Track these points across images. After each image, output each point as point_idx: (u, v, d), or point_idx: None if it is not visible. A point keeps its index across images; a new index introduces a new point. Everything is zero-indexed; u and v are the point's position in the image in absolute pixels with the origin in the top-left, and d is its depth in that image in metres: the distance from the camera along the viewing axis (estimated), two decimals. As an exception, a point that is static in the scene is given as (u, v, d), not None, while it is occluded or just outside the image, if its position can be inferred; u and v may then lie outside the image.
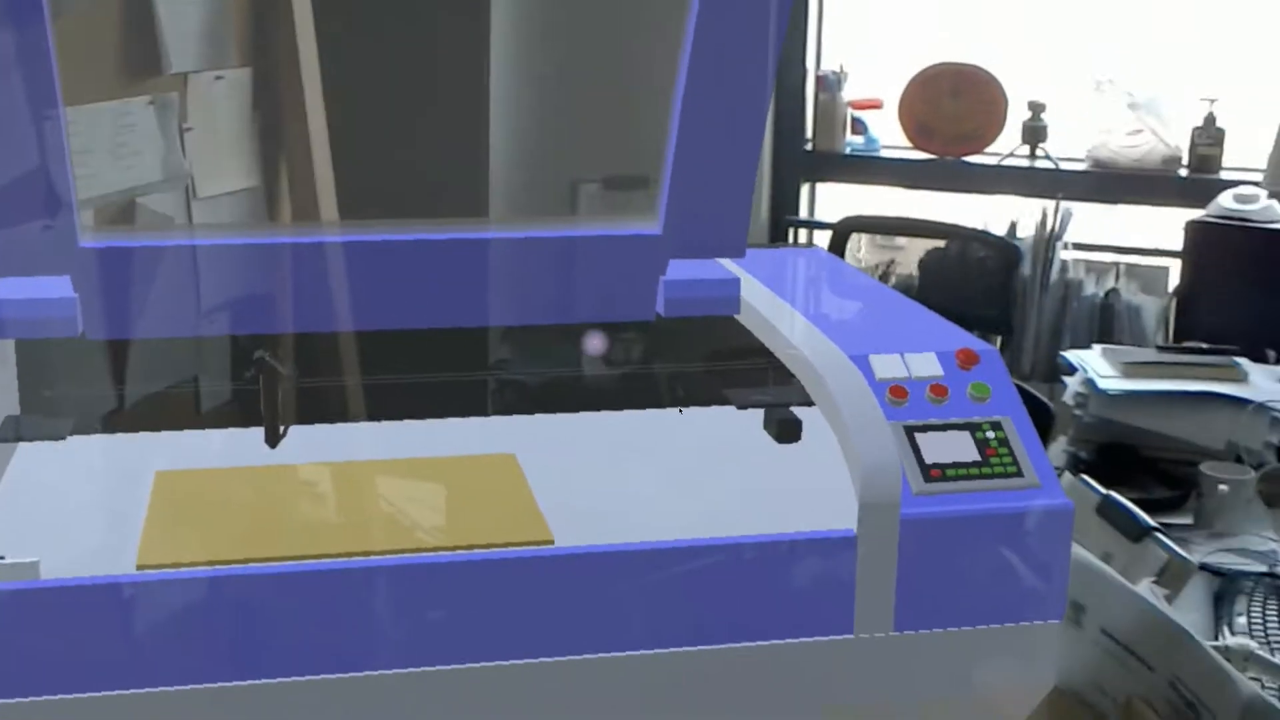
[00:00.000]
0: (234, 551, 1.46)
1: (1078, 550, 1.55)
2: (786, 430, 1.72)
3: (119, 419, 1.81)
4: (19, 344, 1.73)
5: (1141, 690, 1.65)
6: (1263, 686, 1.70)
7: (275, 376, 1.60)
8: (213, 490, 1.64)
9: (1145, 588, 1.75)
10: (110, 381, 1.82)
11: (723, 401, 1.88)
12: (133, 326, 1.70)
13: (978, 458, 1.49)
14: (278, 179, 2.89)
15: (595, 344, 1.88)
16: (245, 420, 1.65)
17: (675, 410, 1.89)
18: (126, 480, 1.65)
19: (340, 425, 1.82)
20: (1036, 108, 4.19)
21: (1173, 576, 1.90)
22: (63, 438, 1.67)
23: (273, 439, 1.63)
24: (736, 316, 1.78)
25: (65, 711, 1.32)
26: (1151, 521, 1.99)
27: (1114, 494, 2.06)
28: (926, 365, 1.56)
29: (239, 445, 1.67)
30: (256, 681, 1.35)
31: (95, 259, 1.62)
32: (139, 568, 1.44)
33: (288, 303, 1.76)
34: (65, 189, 1.57)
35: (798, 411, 1.73)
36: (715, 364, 1.90)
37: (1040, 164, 4.21)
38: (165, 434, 1.79)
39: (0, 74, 1.50)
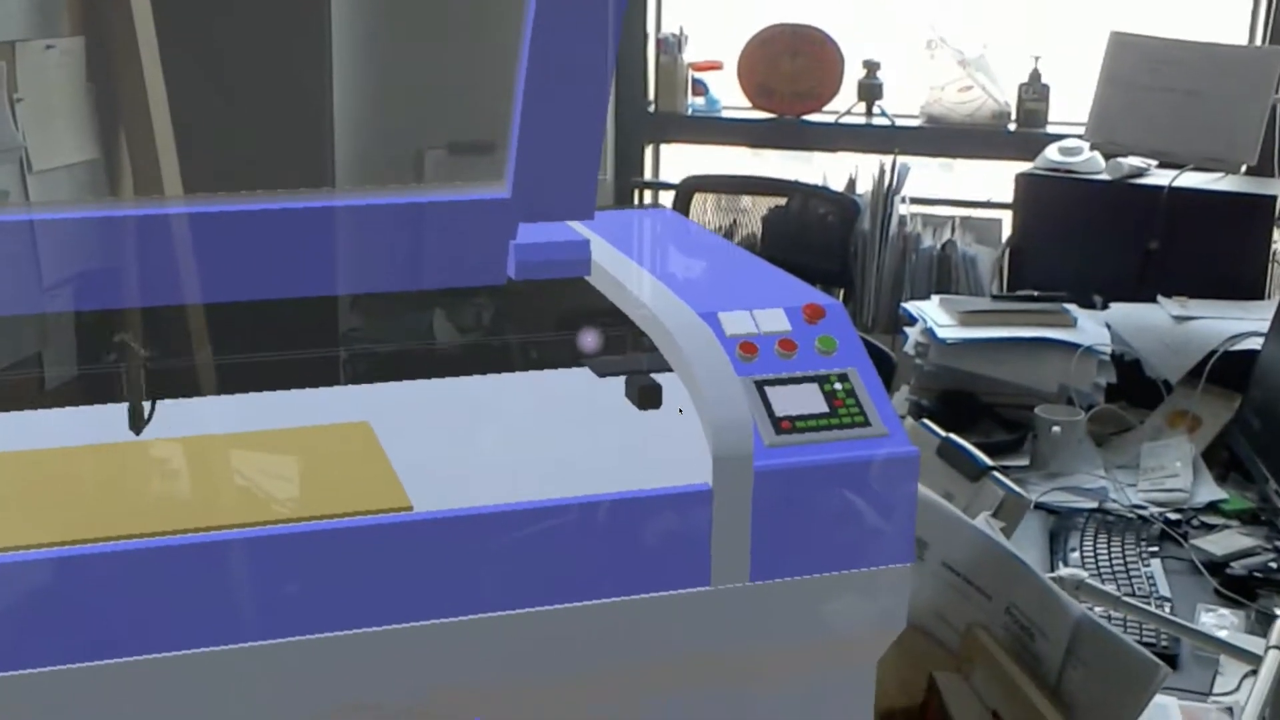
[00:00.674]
0: (81, 531, 1.42)
1: (921, 490, 1.58)
2: (647, 396, 1.72)
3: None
4: None
5: (981, 618, 1.71)
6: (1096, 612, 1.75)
7: (137, 359, 1.55)
8: (57, 470, 1.59)
9: (982, 520, 1.80)
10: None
11: (578, 364, 1.87)
12: (-33, 304, 1.63)
13: (826, 409, 1.51)
14: (118, 151, 2.80)
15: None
16: (90, 398, 1.60)
17: (529, 374, 1.88)
18: None
19: (192, 400, 1.77)
20: (871, 66, 4.24)
21: (1009, 512, 1.96)
22: None
23: (137, 424, 1.58)
24: (587, 278, 1.77)
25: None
26: (989, 461, 2.04)
27: (953, 436, 2.10)
28: (775, 321, 1.57)
29: (85, 423, 1.62)
30: (106, 661, 1.31)
31: None
32: None
33: (132, 277, 1.71)
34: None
35: (659, 378, 1.73)
36: (569, 327, 1.89)
37: (876, 121, 4.27)
38: (6, 414, 1.73)
39: None
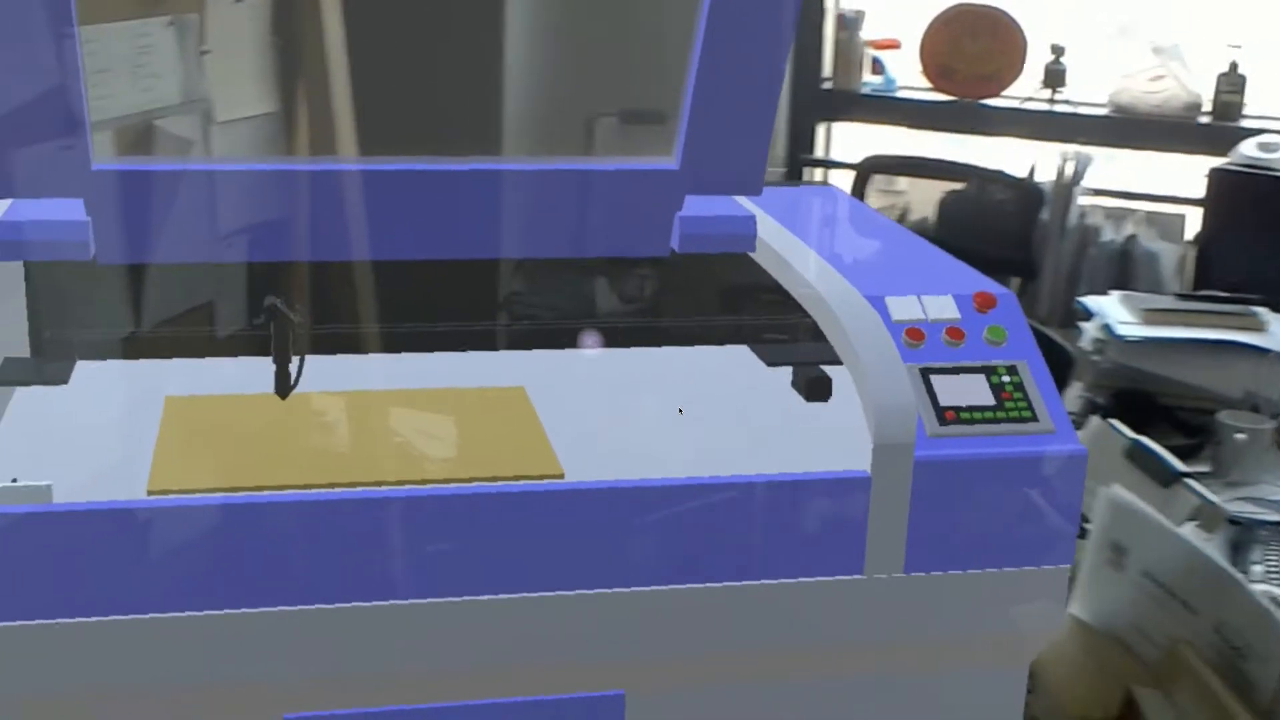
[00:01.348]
0: (243, 478, 1.46)
1: (1120, 492, 1.53)
2: (816, 388, 1.70)
3: (130, 346, 1.80)
4: (28, 277, 1.71)
5: (1185, 634, 1.63)
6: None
7: (287, 324, 1.58)
8: (223, 417, 1.63)
9: (1189, 530, 1.72)
10: (121, 308, 1.81)
11: (737, 340, 1.86)
12: (145, 251, 1.68)
13: (992, 401, 1.48)
14: (295, 106, 2.86)
15: (590, 341, 1.86)
16: (259, 349, 1.64)
17: (689, 349, 1.88)
18: (138, 406, 1.64)
19: (352, 357, 1.80)
20: (1057, 50, 4.13)
21: (1207, 522, 1.88)
22: (64, 382, 1.66)
23: (283, 388, 1.61)
24: (752, 254, 1.76)
25: (73, 635, 1.31)
26: (1182, 466, 1.96)
27: (1143, 439, 2.03)
28: (943, 307, 1.54)
29: (251, 373, 1.66)
30: (261, 609, 1.35)
31: (109, 182, 1.60)
32: (149, 493, 1.43)
33: (303, 230, 1.75)
34: (79, 110, 1.55)
35: (832, 371, 1.71)
36: (733, 304, 1.89)
37: (1059, 108, 4.16)
38: (177, 361, 1.78)
39: (13, -9, 1.47)
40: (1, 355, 1.66)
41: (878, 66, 4.34)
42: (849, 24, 4.25)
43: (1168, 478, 1.95)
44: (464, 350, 1.83)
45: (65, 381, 1.67)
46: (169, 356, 1.78)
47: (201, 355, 1.79)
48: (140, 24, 2.41)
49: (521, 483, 1.44)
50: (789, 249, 1.69)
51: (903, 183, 4.09)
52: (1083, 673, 1.52)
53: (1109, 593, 1.51)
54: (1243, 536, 2.30)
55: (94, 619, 1.32)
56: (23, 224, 1.57)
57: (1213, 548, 1.73)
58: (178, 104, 2.53)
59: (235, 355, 1.76)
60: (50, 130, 1.56)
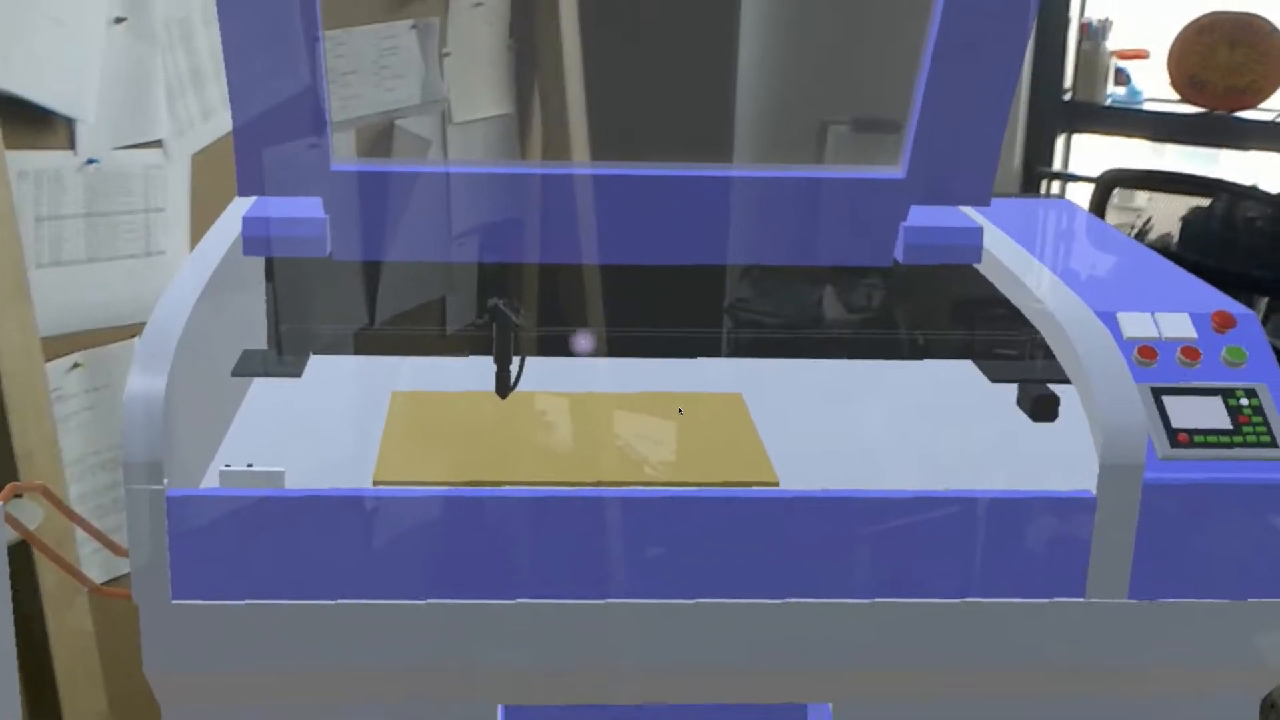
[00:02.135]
0: (466, 473, 1.49)
1: None
2: (1042, 407, 1.65)
3: (360, 341, 1.86)
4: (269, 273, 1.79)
5: None
6: None
7: (509, 325, 1.61)
8: (447, 412, 1.67)
9: None
10: (353, 305, 1.88)
11: (961, 355, 1.83)
12: (378, 249, 1.74)
13: (1229, 425, 1.42)
14: (529, 109, 2.92)
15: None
16: (483, 348, 1.67)
17: (913, 362, 1.85)
18: (366, 400, 1.69)
19: (574, 360, 1.83)
20: (1319, 60, 3.94)
21: None
22: (298, 375, 1.72)
23: (503, 389, 1.64)
24: (977, 266, 1.72)
25: (299, 616, 1.37)
26: None
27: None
28: (1178, 326, 1.48)
29: (474, 371, 1.70)
30: (479, 600, 1.38)
31: (346, 182, 1.66)
32: (375, 483, 1.48)
33: (532, 232, 1.78)
34: (322, 111, 1.61)
35: (1056, 389, 1.67)
36: (957, 317, 1.85)
37: (1319, 121, 3.97)
38: (406, 358, 1.83)
39: (264, -2, 1.54)
40: (242, 347, 1.73)
41: (1123, 77, 4.20)
42: (1094, 33, 4.13)
43: None
44: (687, 356, 1.84)
45: (299, 375, 1.74)
46: (397, 353, 1.83)
47: (427, 353, 1.84)
48: (385, 27, 2.50)
49: (737, 488, 1.44)
50: (1016, 262, 1.66)
51: (1140, 198, 3.95)
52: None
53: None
54: None
55: (319, 601, 1.37)
56: (265, 220, 1.64)
57: None
58: (417, 104, 2.62)
59: (460, 353, 1.80)
60: (294, 131, 1.62)
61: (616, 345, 1.87)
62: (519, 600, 1.38)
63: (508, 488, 1.42)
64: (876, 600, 1.41)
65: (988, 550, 1.41)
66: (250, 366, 1.71)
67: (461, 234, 1.80)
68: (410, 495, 1.39)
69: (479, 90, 2.78)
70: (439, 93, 2.65)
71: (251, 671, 1.40)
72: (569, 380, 1.74)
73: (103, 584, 1.79)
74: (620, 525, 1.39)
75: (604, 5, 2.96)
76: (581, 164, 2.74)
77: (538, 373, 1.66)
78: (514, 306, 1.62)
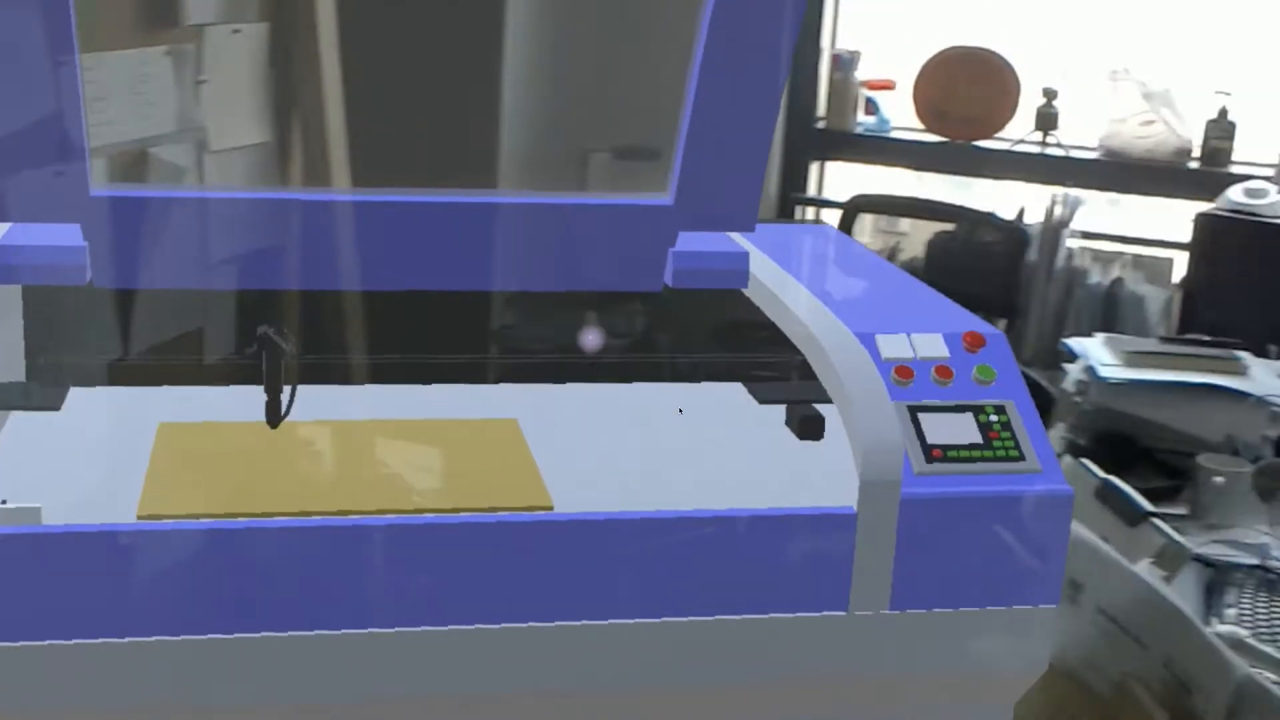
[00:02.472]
0: (233, 505, 1.46)
1: (1079, 529, 1.55)
2: (808, 427, 1.70)
3: (123, 372, 1.80)
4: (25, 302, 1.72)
5: (1135, 669, 1.66)
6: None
7: (278, 353, 1.59)
8: (215, 443, 1.64)
9: (1144, 568, 1.75)
10: (115, 335, 1.81)
11: (730, 377, 1.87)
12: (140, 276, 1.69)
13: (980, 440, 1.49)
14: (291, 136, 2.87)
15: (590, 338, 1.87)
16: (252, 377, 1.64)
17: (681, 385, 1.88)
18: (130, 432, 1.64)
19: (344, 387, 1.81)
20: (1050, 94, 4.17)
21: (1168, 561, 1.90)
22: (57, 408, 1.66)
23: (274, 418, 1.61)
24: (744, 291, 1.77)
25: (60, 657, 1.32)
26: (1149, 506, 1.99)
27: (1112, 479, 2.05)
28: (933, 346, 1.55)
29: (244, 401, 1.67)
30: (247, 635, 1.35)
31: (106, 208, 1.61)
32: (139, 517, 1.44)
33: (296, 259, 1.76)
34: (78, 136, 1.56)
35: (822, 409, 1.72)
36: (725, 340, 1.89)
37: (1051, 151, 4.20)
38: (169, 388, 1.79)
39: (17, 19, 1.48)
40: (4, 379, 1.66)
41: (872, 107, 4.37)
42: (844, 64, 4.28)
43: (1135, 517, 1.97)
44: (457, 382, 1.84)
45: (58, 407, 1.67)
46: (161, 383, 1.78)
47: (194, 383, 1.79)
48: (139, 53, 2.43)
49: (511, 513, 1.45)
50: (781, 286, 1.70)
51: (904, 223, 4.12)
52: (1033, 706, 1.53)
53: (1064, 627, 1.53)
54: (1217, 578, 2.31)
55: (79, 641, 1.32)
56: (21, 248, 1.58)
57: (1166, 585, 1.75)
58: (174, 132, 2.55)
59: (228, 383, 1.76)
60: (50, 156, 1.57)
61: (387, 372, 1.85)
62: (287, 633, 1.36)
63: (275, 519, 1.40)
64: (648, 620, 1.42)
65: (755, 567, 1.44)
66: (5, 400, 1.64)
67: (225, 261, 1.76)
68: (173, 529, 1.35)
69: (238, 118, 2.72)
70: (195, 121, 2.59)
71: (13, 715, 1.34)
72: (341, 408, 1.72)
73: None
74: (388, 553, 1.38)
75: (365, 33, 2.93)
76: (344, 190, 2.70)
77: (309, 401, 1.64)
78: (283, 334, 1.60)
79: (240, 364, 1.71)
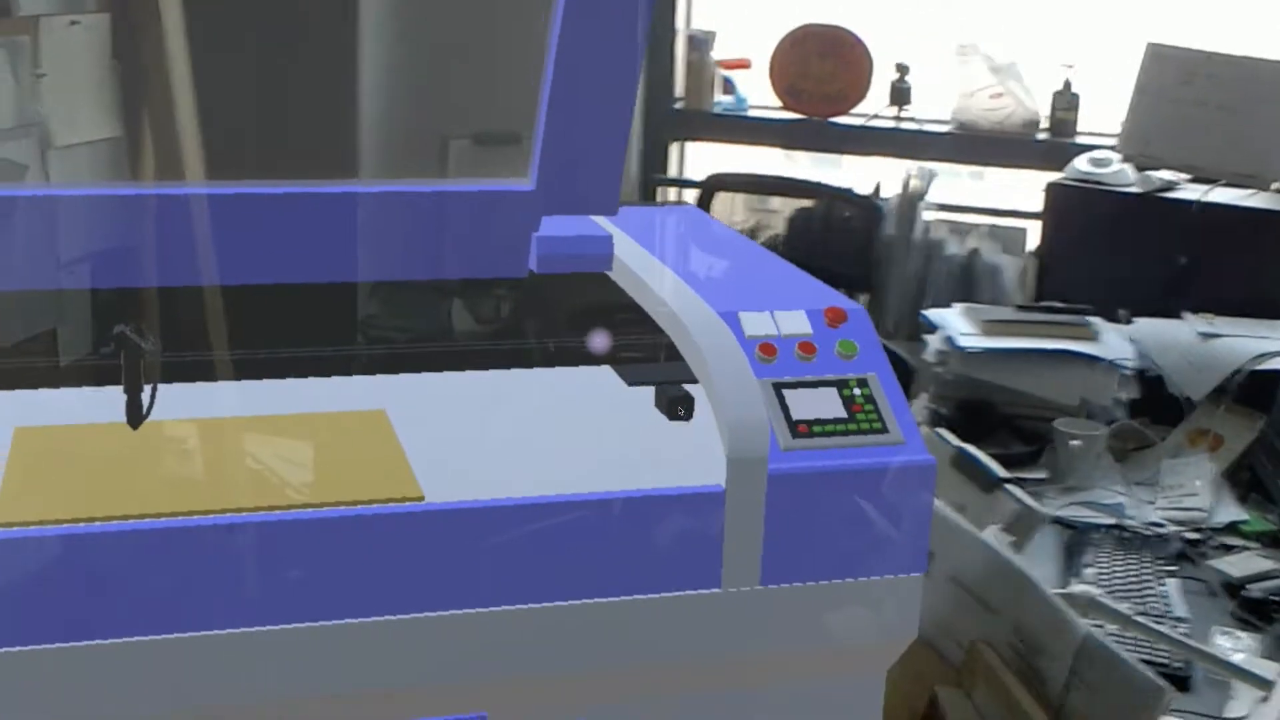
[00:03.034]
0: (95, 509, 1.43)
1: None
2: (678, 407, 1.72)
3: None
4: None
5: (985, 634, 1.71)
6: (1105, 631, 1.75)
7: (137, 352, 1.55)
8: (74, 447, 1.60)
9: (991, 534, 1.80)
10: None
11: (596, 361, 1.88)
12: (-14, 278, 1.65)
13: (844, 414, 1.51)
14: (139, 130, 2.81)
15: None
16: (109, 377, 1.61)
17: (547, 370, 1.89)
18: None
19: (206, 385, 1.78)
20: (902, 69, 4.24)
21: (1022, 526, 1.96)
22: None
23: (135, 418, 1.58)
24: (609, 273, 1.77)
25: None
26: (1003, 473, 2.04)
27: (967, 447, 2.10)
28: (796, 323, 1.57)
29: (102, 402, 1.63)
30: (113, 640, 1.32)
31: None
32: None
33: (150, 256, 1.72)
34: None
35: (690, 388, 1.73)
36: (593, 323, 1.90)
37: (906, 126, 4.27)
38: (23, 391, 1.74)
39: None
40: None
41: (729, 86, 4.40)
42: (699, 44, 4.31)
43: (989, 484, 2.03)
44: (322, 375, 1.82)
45: None
46: (12, 387, 1.73)
47: (48, 385, 1.75)
48: (-34, 45, 2.35)
49: (380, 505, 1.44)
50: (645, 268, 1.71)
51: (775, 201, 4.16)
52: (891, 675, 1.57)
53: (917, 597, 1.58)
54: (1076, 539, 2.38)
55: None
56: None
57: (1015, 550, 1.80)
58: (12, 128, 2.47)
59: (84, 384, 1.72)
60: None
61: (250, 368, 1.83)
62: (154, 636, 1.34)
63: (136, 521, 1.37)
64: (521, 606, 1.43)
65: (625, 548, 1.45)
66: None
67: (73, 260, 1.72)
68: (29, 535, 1.32)
69: (82, 112, 2.66)
70: (34, 116, 2.51)
71: None
72: (203, 406, 1.69)
73: None
74: (256, 550, 1.37)
75: (213, 20, 2.88)
76: (198, 184, 2.65)
77: (170, 400, 1.61)
78: (141, 332, 1.56)
79: (97, 364, 1.68)
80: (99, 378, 1.63)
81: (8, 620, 1.30)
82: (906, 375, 2.94)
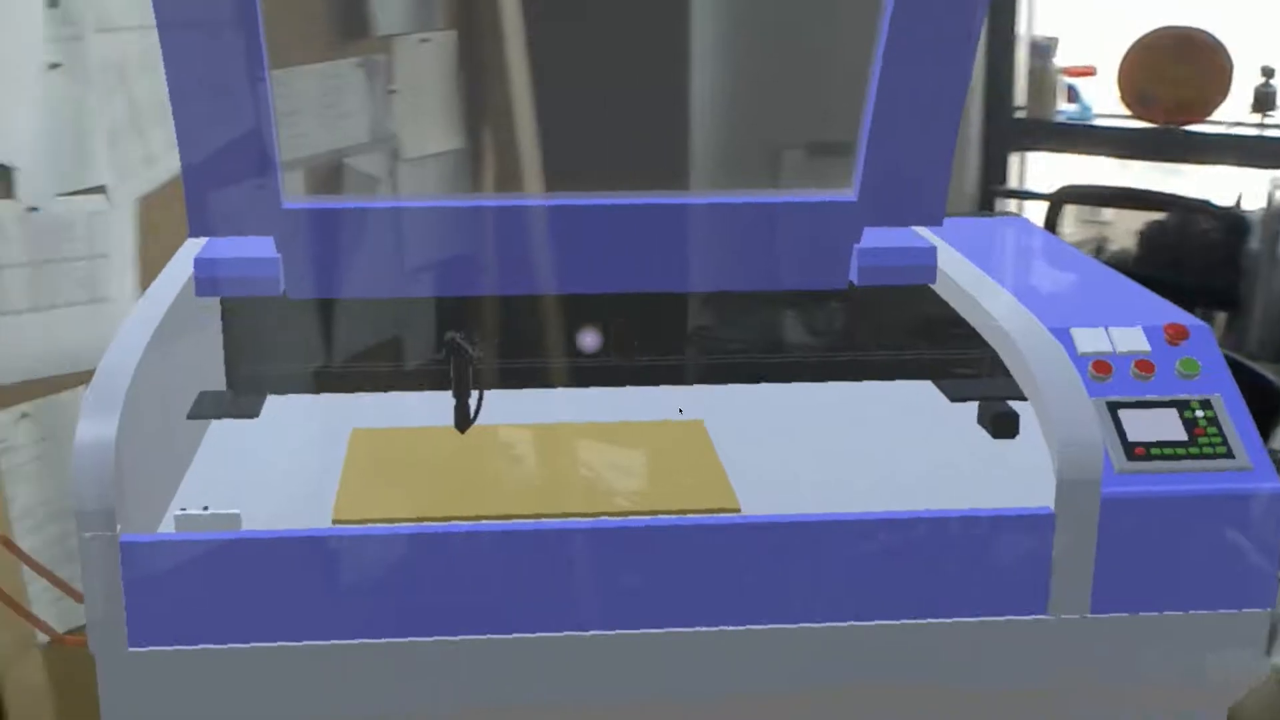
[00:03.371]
0: (426, 509, 1.50)
1: None
2: (1002, 425, 1.67)
3: (317, 380, 1.86)
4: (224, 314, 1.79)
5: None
6: None
7: (466, 359, 1.62)
8: (407, 448, 1.68)
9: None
10: (310, 343, 1.88)
11: (921, 375, 1.85)
12: (333, 286, 1.74)
13: (1185, 437, 1.44)
14: (482, 143, 2.93)
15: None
16: (444, 383, 1.68)
17: (871, 384, 1.87)
18: (325, 439, 1.70)
19: (533, 391, 1.84)
20: (1267, 73, 4.00)
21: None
22: (255, 416, 1.72)
23: (462, 423, 1.64)
24: (932, 286, 1.74)
25: (258, 660, 1.37)
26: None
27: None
28: (1132, 340, 1.51)
29: (434, 406, 1.70)
30: (443, 638, 1.38)
31: (298, 220, 1.67)
32: (334, 522, 1.48)
33: (490, 265, 1.79)
34: (270, 150, 1.62)
35: (1016, 406, 1.68)
36: (915, 337, 1.87)
37: (1271, 133, 4.03)
38: (364, 395, 1.84)
39: (209, 37, 1.55)
40: (200, 389, 1.73)
41: (1072, 94, 4.25)
42: (1041, 51, 4.18)
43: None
44: (645, 385, 1.85)
45: (256, 415, 1.73)
46: (354, 391, 1.83)
47: (386, 389, 1.84)
48: (330, 66, 2.50)
49: (698, 516, 1.45)
50: (971, 281, 1.68)
51: (1106, 213, 4.00)
52: (1245, 708, 1.47)
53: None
54: None
55: (278, 644, 1.37)
56: (216, 261, 1.65)
57: None
58: (366, 142, 2.62)
59: (420, 389, 1.81)
60: (243, 171, 1.63)
61: (575, 376, 1.88)
62: (485, 635, 1.39)
63: (469, 522, 1.42)
64: (837, 624, 1.42)
65: (950, 569, 1.42)
66: (206, 409, 1.71)
67: (417, 269, 1.80)
68: (368, 534, 1.39)
69: (429, 126, 2.79)
70: (387, 131, 2.65)
71: (215, 716, 1.40)
72: (529, 412, 1.75)
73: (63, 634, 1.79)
74: (583, 556, 1.40)
75: (552, 36, 2.98)
76: (536, 195, 2.75)
77: (498, 406, 1.67)
78: (471, 340, 1.63)
79: (432, 370, 1.76)
80: (437, 382, 1.71)
81: (343, 613, 1.37)
82: (1272, 398, 2.76)
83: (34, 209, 1.97)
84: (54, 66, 1.96)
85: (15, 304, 1.97)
